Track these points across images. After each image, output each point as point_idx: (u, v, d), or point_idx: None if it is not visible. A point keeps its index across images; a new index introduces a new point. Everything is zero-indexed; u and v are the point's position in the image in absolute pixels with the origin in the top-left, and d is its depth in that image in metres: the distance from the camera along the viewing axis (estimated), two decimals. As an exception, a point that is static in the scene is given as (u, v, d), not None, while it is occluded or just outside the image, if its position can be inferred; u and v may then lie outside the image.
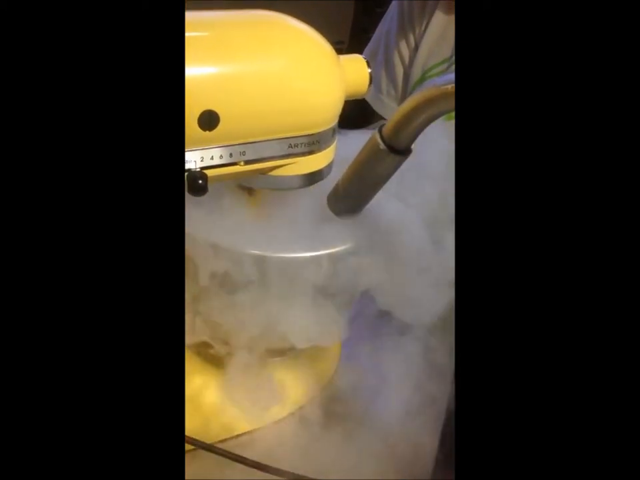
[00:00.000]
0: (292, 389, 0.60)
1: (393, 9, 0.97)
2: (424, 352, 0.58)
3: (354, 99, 0.48)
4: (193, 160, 0.41)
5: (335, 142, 0.48)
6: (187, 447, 0.48)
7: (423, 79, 0.91)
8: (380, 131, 0.43)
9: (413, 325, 0.57)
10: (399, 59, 0.94)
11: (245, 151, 0.43)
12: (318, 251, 0.48)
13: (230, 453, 0.48)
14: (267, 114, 0.42)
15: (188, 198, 0.40)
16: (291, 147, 0.44)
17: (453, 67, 0.67)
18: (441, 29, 0.88)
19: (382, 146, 0.43)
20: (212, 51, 0.40)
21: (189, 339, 0.57)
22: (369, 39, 1.02)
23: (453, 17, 0.86)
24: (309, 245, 0.49)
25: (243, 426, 0.56)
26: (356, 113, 0.59)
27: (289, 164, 0.45)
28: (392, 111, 0.94)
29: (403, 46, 0.93)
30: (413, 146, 0.44)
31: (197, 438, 0.48)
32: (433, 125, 0.41)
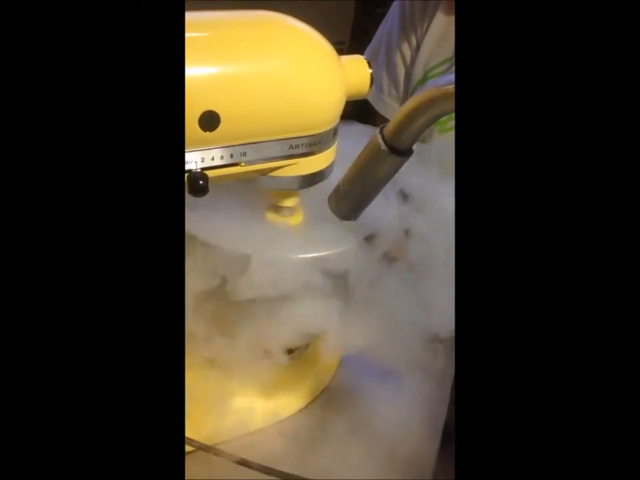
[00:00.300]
0: (293, 390, 0.60)
1: (394, 9, 0.97)
2: (425, 353, 0.58)
3: (355, 99, 0.48)
4: (194, 161, 0.41)
5: (336, 143, 0.48)
6: (187, 448, 0.48)
7: (424, 79, 0.91)
8: (381, 132, 0.43)
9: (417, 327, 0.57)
10: (400, 59, 0.94)
11: (245, 152, 0.43)
12: (318, 252, 0.48)
13: (230, 454, 0.48)
14: (267, 114, 0.42)
15: (188, 198, 0.40)
16: (292, 148, 0.44)
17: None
18: (442, 29, 0.88)
19: (383, 146, 0.42)
20: (213, 52, 0.40)
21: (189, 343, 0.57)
22: (369, 40, 1.02)
23: (454, 17, 0.86)
24: (309, 246, 0.49)
25: (243, 427, 0.56)
26: (356, 113, 0.59)
27: (290, 165, 0.45)
28: (393, 111, 0.94)
29: (405, 46, 0.93)
30: (414, 147, 0.43)
31: (197, 439, 0.48)
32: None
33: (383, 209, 0.52)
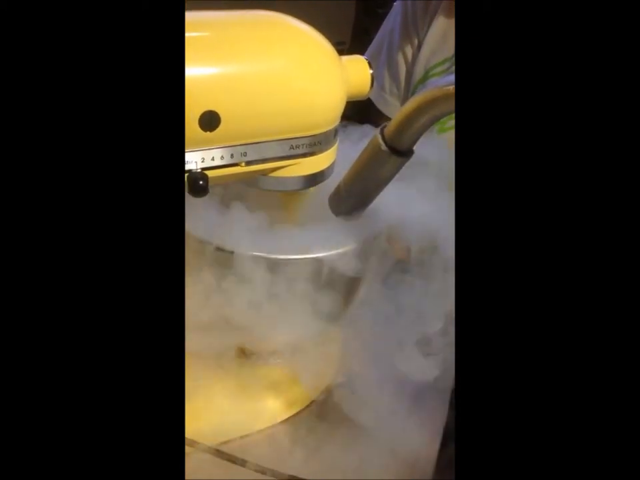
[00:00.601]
0: (293, 390, 0.60)
1: (396, 9, 0.97)
2: (427, 354, 0.58)
3: (355, 99, 0.47)
4: (194, 161, 0.41)
5: (337, 143, 0.47)
6: (187, 449, 0.48)
7: (425, 77, 0.91)
8: (382, 132, 0.43)
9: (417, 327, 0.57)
10: (402, 58, 0.95)
11: (246, 152, 0.42)
12: (319, 252, 0.48)
13: (230, 455, 0.48)
14: (268, 114, 0.42)
15: (189, 199, 0.40)
16: (293, 148, 0.44)
17: (455, 66, 0.67)
18: (443, 28, 0.88)
19: (384, 147, 0.42)
20: (213, 52, 0.40)
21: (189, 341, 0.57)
22: (370, 40, 1.02)
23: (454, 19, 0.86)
24: (310, 246, 0.49)
25: (243, 428, 0.56)
26: (357, 113, 0.59)
27: (291, 165, 0.45)
28: (395, 109, 0.94)
29: (406, 45, 0.94)
30: (414, 147, 0.43)
31: (198, 440, 0.48)
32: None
33: (383, 209, 0.52)
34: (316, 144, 0.45)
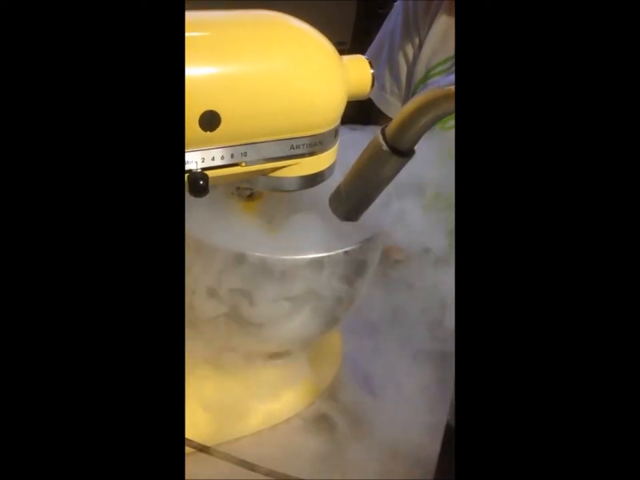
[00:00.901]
0: (294, 391, 0.60)
1: (397, 8, 0.97)
2: (426, 354, 0.58)
3: (356, 100, 0.47)
4: (194, 161, 0.41)
5: (337, 143, 0.47)
6: (188, 449, 0.48)
7: (426, 77, 0.91)
8: (383, 132, 0.43)
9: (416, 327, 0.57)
10: (403, 58, 0.95)
11: (246, 152, 0.42)
12: (320, 252, 0.48)
13: (230, 456, 0.48)
14: (268, 114, 0.42)
15: (190, 199, 0.40)
16: (293, 148, 0.44)
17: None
18: (444, 28, 0.89)
19: (385, 147, 0.42)
20: (213, 51, 0.40)
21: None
22: (371, 40, 1.02)
23: None
24: (310, 246, 0.49)
25: (244, 428, 0.56)
26: (357, 112, 0.59)
27: (291, 165, 0.45)
28: (396, 109, 0.94)
29: (407, 44, 0.94)
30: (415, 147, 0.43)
31: (199, 441, 0.48)
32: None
33: (384, 210, 0.52)
34: (316, 144, 0.45)
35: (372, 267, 0.55)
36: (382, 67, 0.97)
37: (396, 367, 0.62)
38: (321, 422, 0.58)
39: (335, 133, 0.46)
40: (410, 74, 0.94)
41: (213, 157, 0.41)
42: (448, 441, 0.55)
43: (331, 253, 0.48)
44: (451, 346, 0.32)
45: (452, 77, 0.36)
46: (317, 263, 0.48)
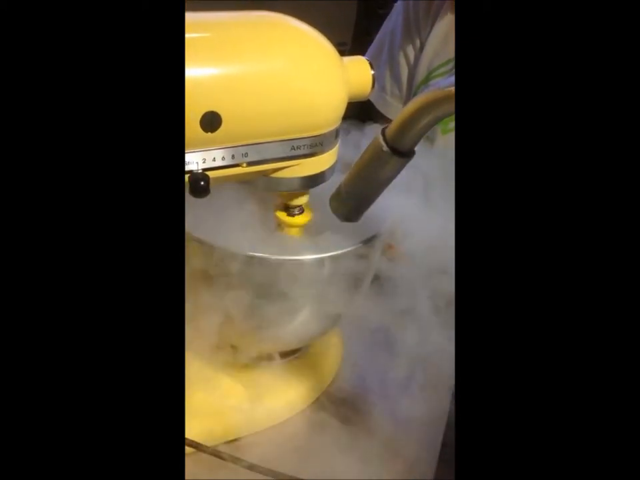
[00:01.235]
0: (294, 391, 0.60)
1: (397, 9, 0.97)
2: (427, 355, 0.58)
3: (357, 100, 0.47)
4: (195, 161, 0.41)
5: (338, 144, 0.47)
6: (188, 449, 0.48)
7: (427, 79, 0.91)
8: (383, 133, 0.43)
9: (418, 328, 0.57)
10: (404, 59, 0.94)
11: (247, 153, 0.42)
12: (320, 253, 0.48)
13: (230, 456, 0.48)
14: (269, 115, 0.42)
15: (191, 199, 0.40)
16: (294, 149, 0.44)
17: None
18: (446, 29, 0.88)
19: (385, 148, 0.42)
20: (214, 52, 0.40)
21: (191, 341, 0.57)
22: (371, 41, 1.02)
23: None
24: (311, 247, 0.49)
25: (245, 429, 0.56)
26: (358, 112, 0.59)
27: (292, 166, 0.45)
28: (396, 111, 0.93)
29: (408, 46, 0.93)
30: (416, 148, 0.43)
31: (199, 441, 0.48)
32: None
33: (384, 210, 0.52)
34: (317, 145, 0.45)
35: (372, 267, 0.55)
36: (382, 67, 0.97)
37: (396, 367, 0.62)
38: (321, 422, 0.58)
39: (335, 133, 0.46)
40: (411, 75, 0.94)
41: (214, 158, 0.41)
42: (447, 442, 0.56)
43: (332, 254, 0.48)
44: (452, 344, 0.32)
45: (452, 78, 0.36)
46: (318, 263, 0.48)
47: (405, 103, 0.95)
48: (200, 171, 0.41)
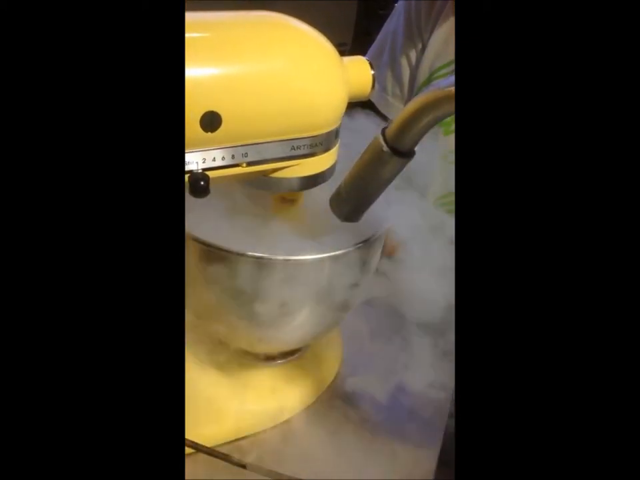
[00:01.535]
0: (294, 391, 0.60)
1: (398, 10, 0.97)
2: (427, 355, 0.58)
3: (357, 101, 0.47)
4: (195, 161, 0.41)
5: (338, 144, 0.47)
6: (188, 450, 0.48)
7: (429, 80, 0.91)
8: (383, 133, 0.43)
9: (417, 328, 0.57)
10: (405, 60, 0.94)
11: (247, 153, 0.42)
12: (321, 253, 0.48)
13: (230, 456, 0.48)
14: (269, 115, 0.42)
15: (191, 200, 0.40)
16: (294, 149, 0.44)
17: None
18: (448, 31, 0.88)
19: (385, 148, 0.42)
20: (215, 52, 0.40)
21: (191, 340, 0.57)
22: (371, 41, 1.02)
23: None
24: (311, 247, 0.49)
25: (245, 429, 0.56)
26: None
27: (291, 166, 0.45)
28: (397, 111, 0.93)
29: (410, 46, 0.93)
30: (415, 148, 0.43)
31: (199, 441, 0.48)
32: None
33: (384, 210, 0.52)
34: (317, 145, 0.45)
35: (372, 267, 0.55)
36: (383, 68, 0.97)
37: (396, 367, 0.62)
38: (320, 422, 0.58)
39: (335, 133, 0.46)
40: (412, 76, 0.94)
41: (214, 158, 0.41)
42: (447, 442, 0.56)
43: (332, 254, 0.48)
44: (452, 346, 0.32)
45: (453, 79, 0.36)
46: (318, 264, 0.48)
47: (406, 103, 0.95)
48: (200, 171, 0.41)
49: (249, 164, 0.43)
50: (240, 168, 0.43)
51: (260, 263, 0.47)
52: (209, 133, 0.40)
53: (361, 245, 0.49)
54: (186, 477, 0.36)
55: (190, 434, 0.41)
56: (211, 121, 0.39)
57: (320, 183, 0.48)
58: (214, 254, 0.47)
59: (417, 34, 0.92)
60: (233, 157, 0.42)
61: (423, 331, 0.59)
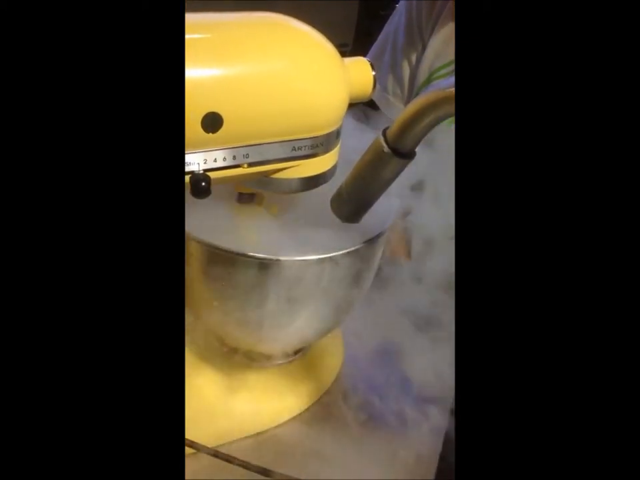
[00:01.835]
0: (295, 392, 0.60)
1: (399, 10, 0.97)
2: (428, 355, 0.58)
3: (358, 101, 0.47)
4: (196, 162, 0.41)
5: (339, 144, 0.47)
6: (188, 450, 0.48)
7: (429, 80, 0.91)
8: (384, 134, 0.43)
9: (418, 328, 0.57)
10: (406, 60, 0.94)
11: (248, 154, 0.42)
12: (321, 254, 0.48)
13: (230, 457, 0.48)
14: (270, 116, 0.42)
15: (192, 200, 0.40)
16: (295, 150, 0.44)
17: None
18: (449, 31, 0.88)
19: (386, 149, 0.42)
20: (216, 53, 0.40)
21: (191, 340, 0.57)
22: (372, 42, 1.02)
23: None
24: (312, 247, 0.49)
25: (245, 429, 0.56)
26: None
27: (293, 167, 0.45)
28: (398, 111, 0.93)
29: (411, 47, 0.94)
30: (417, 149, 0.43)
31: (199, 441, 0.48)
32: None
33: (385, 210, 0.52)
34: (318, 145, 0.45)
35: (374, 268, 0.55)
36: (384, 68, 0.97)
37: (396, 367, 0.62)
38: (321, 423, 0.58)
39: (336, 134, 0.46)
40: (413, 76, 0.94)
41: (215, 159, 0.41)
42: (448, 442, 0.56)
43: (333, 254, 0.48)
44: (452, 346, 0.32)
45: (453, 79, 0.37)
46: (319, 264, 0.48)
47: (407, 103, 0.95)
48: (201, 172, 0.41)
49: (250, 165, 0.43)
50: (241, 169, 0.43)
51: (260, 263, 0.47)
52: (210, 134, 0.40)
53: (362, 244, 0.49)
54: (186, 477, 0.36)
55: (190, 434, 0.41)
56: (212, 122, 0.39)
57: (321, 184, 0.48)
58: (214, 254, 0.47)
59: (417, 34, 0.93)
60: (234, 157, 0.42)
61: (423, 330, 0.59)
